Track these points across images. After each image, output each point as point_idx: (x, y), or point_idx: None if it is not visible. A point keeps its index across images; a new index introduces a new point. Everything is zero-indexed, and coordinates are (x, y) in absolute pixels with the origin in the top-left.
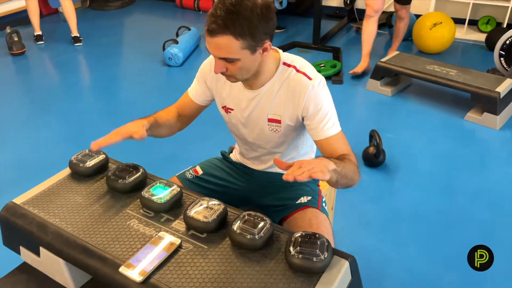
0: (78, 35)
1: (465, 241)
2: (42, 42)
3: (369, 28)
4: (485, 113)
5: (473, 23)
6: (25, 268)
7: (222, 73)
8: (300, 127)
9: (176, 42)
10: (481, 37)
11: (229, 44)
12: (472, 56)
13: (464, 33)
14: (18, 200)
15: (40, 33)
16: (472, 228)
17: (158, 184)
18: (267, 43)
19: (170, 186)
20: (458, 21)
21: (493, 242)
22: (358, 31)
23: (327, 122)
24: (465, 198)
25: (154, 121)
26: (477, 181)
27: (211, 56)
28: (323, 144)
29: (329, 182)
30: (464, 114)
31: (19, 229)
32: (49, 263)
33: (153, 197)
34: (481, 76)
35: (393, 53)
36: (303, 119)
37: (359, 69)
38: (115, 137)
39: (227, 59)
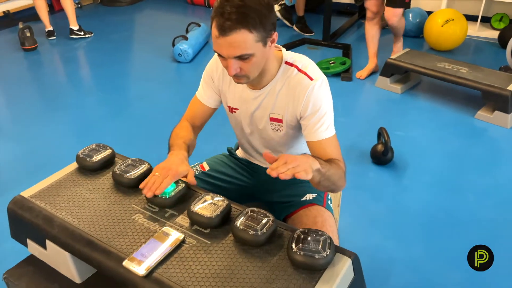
0: (73, 27)
1: (473, 241)
2: (54, 37)
3: (372, 31)
4: (496, 112)
5: (486, 20)
6: (32, 260)
7: (235, 75)
8: (300, 127)
9: (186, 39)
10: (494, 34)
11: (244, 39)
12: (484, 54)
13: (477, 30)
14: (26, 193)
15: (51, 28)
16: (481, 227)
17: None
18: (275, 34)
19: (176, 182)
20: (471, 18)
21: (502, 242)
22: None
23: (322, 124)
24: (474, 197)
25: (186, 147)
26: (487, 180)
27: (215, 56)
28: (314, 146)
29: (312, 181)
30: (475, 112)
31: (26, 222)
32: (55, 255)
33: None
34: (492, 74)
35: (400, 50)
36: (300, 118)
37: (364, 72)
38: (171, 180)
39: (242, 57)
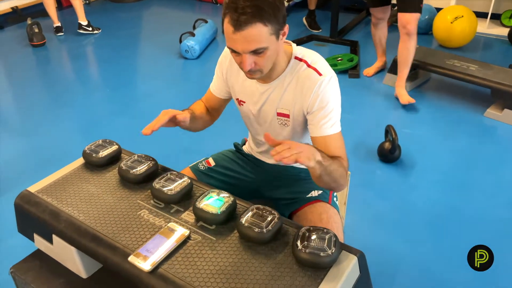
0: (82, 22)
1: (481, 240)
2: (62, 33)
3: (377, 35)
4: (505, 110)
5: (495, 17)
6: (38, 255)
7: (249, 71)
8: (307, 122)
9: (193, 35)
10: (504, 31)
11: (259, 32)
12: (494, 51)
13: (486, 27)
14: (33, 188)
15: (59, 24)
16: (488, 226)
17: (169, 175)
18: (286, 26)
19: (181, 178)
20: (480, 15)
21: (510, 241)
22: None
23: (328, 120)
24: (482, 195)
25: (193, 113)
26: (495, 179)
27: (225, 49)
28: (319, 142)
29: (313, 174)
30: (484, 110)
31: (33, 217)
32: (61, 250)
33: (164, 188)
34: (502, 71)
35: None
36: (307, 114)
37: (372, 70)
38: (163, 116)
39: (257, 51)
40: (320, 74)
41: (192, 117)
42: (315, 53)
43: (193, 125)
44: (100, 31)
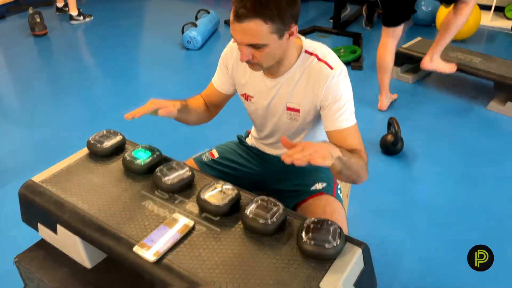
0: (73, 13)
1: (483, 233)
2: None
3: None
4: (508, 102)
5: (499, 9)
6: (43, 244)
7: (248, 62)
8: (318, 116)
9: (195, 26)
10: (507, 24)
11: (258, 29)
12: (497, 44)
13: (490, 20)
14: (37, 178)
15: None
16: (491, 220)
17: (173, 165)
18: (294, 27)
19: (183, 168)
20: (484, 7)
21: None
22: (380, 16)
23: (343, 113)
24: (484, 189)
25: (185, 104)
26: (498, 172)
27: (231, 42)
28: (335, 135)
29: (333, 170)
30: (487, 103)
31: (37, 207)
32: (65, 240)
33: (164, 177)
34: (505, 64)
35: (415, 39)
36: (320, 108)
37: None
38: (149, 105)
39: (255, 45)
40: (331, 68)
41: (184, 109)
42: (324, 46)
43: (183, 116)
44: (92, 17)
